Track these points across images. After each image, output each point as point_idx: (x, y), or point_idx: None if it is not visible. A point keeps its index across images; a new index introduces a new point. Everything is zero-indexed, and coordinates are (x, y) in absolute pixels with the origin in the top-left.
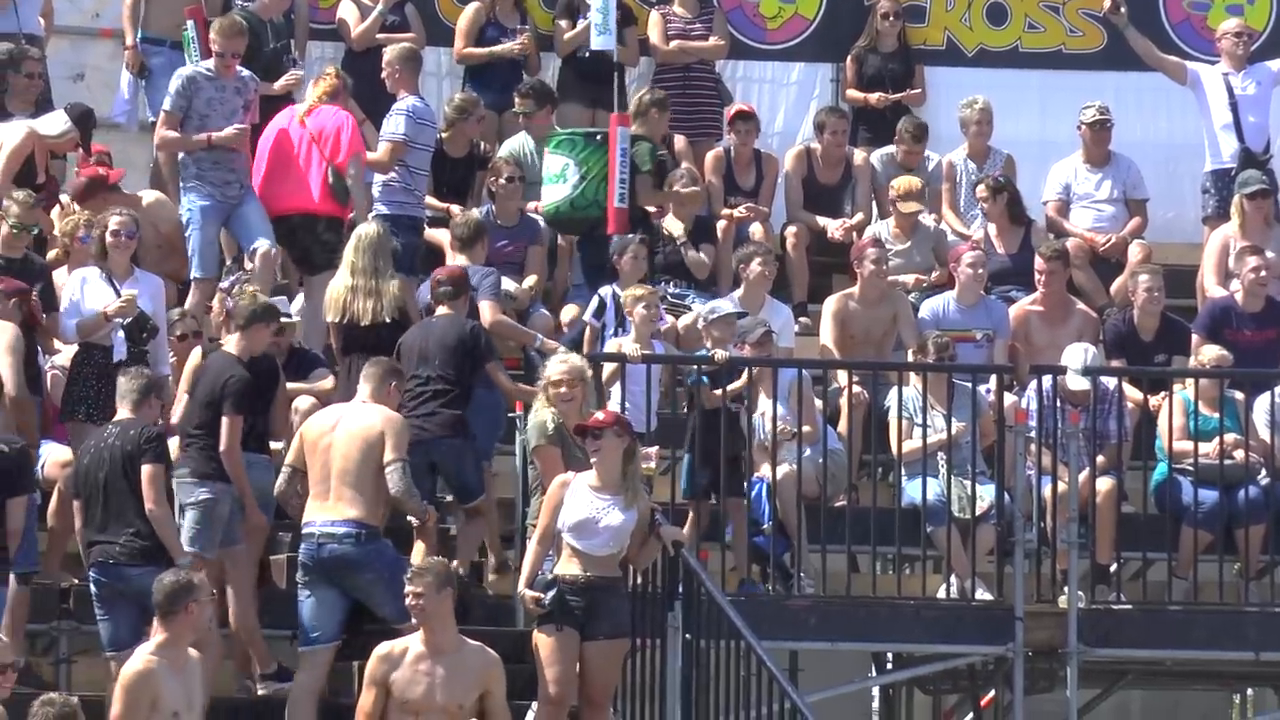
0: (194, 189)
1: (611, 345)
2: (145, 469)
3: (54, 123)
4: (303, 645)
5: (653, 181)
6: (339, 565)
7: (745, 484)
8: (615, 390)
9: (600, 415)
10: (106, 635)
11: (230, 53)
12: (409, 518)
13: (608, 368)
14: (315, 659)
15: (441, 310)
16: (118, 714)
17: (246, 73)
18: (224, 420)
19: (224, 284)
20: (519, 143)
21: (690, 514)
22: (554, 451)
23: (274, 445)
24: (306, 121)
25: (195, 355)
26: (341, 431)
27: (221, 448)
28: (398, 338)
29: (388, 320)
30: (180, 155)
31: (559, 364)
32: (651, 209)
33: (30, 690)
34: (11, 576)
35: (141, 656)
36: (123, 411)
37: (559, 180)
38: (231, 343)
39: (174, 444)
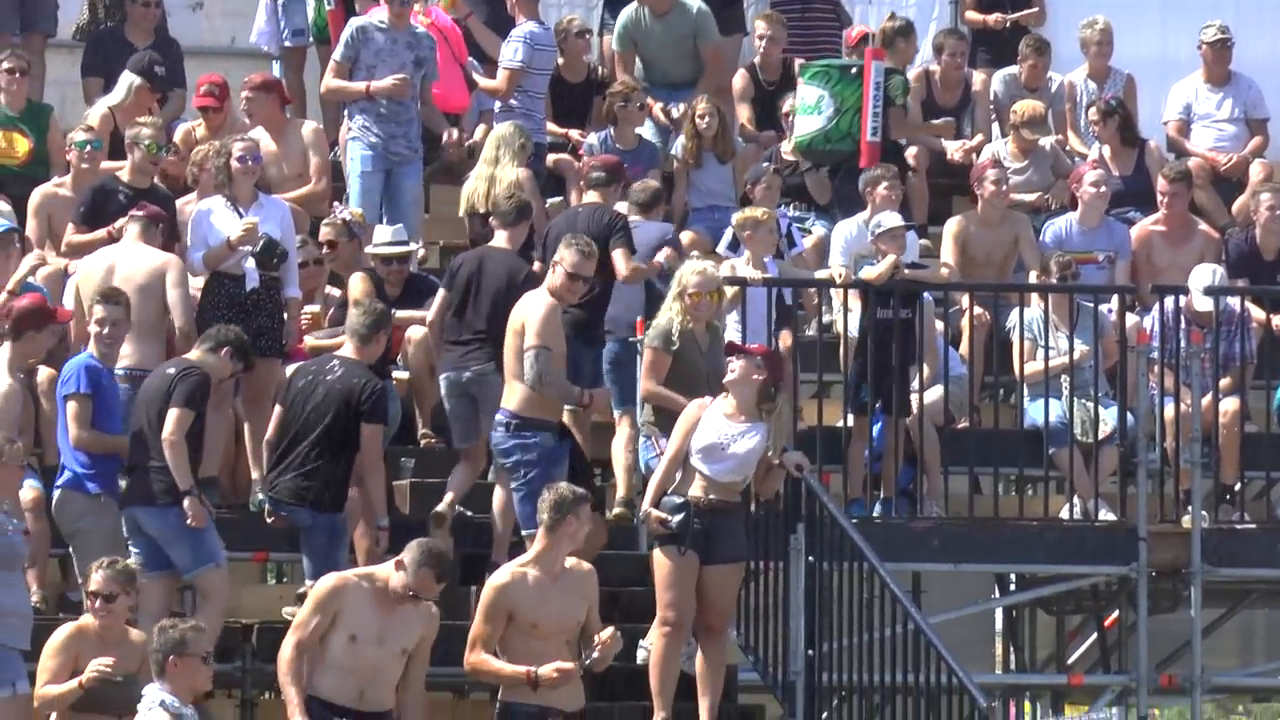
0: (358, 138)
1: (727, 269)
2: (365, 428)
3: (118, 89)
4: None
5: (906, 114)
6: None
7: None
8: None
9: (756, 345)
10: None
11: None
12: None
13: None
14: None
15: (591, 196)
16: (478, 623)
17: (421, 29)
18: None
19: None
20: (633, 11)
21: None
22: (664, 359)
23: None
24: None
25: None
26: None
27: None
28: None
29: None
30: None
31: (694, 274)
32: (902, 141)
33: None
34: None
35: (509, 569)
36: (347, 348)
37: (813, 112)
38: (350, 349)
39: None
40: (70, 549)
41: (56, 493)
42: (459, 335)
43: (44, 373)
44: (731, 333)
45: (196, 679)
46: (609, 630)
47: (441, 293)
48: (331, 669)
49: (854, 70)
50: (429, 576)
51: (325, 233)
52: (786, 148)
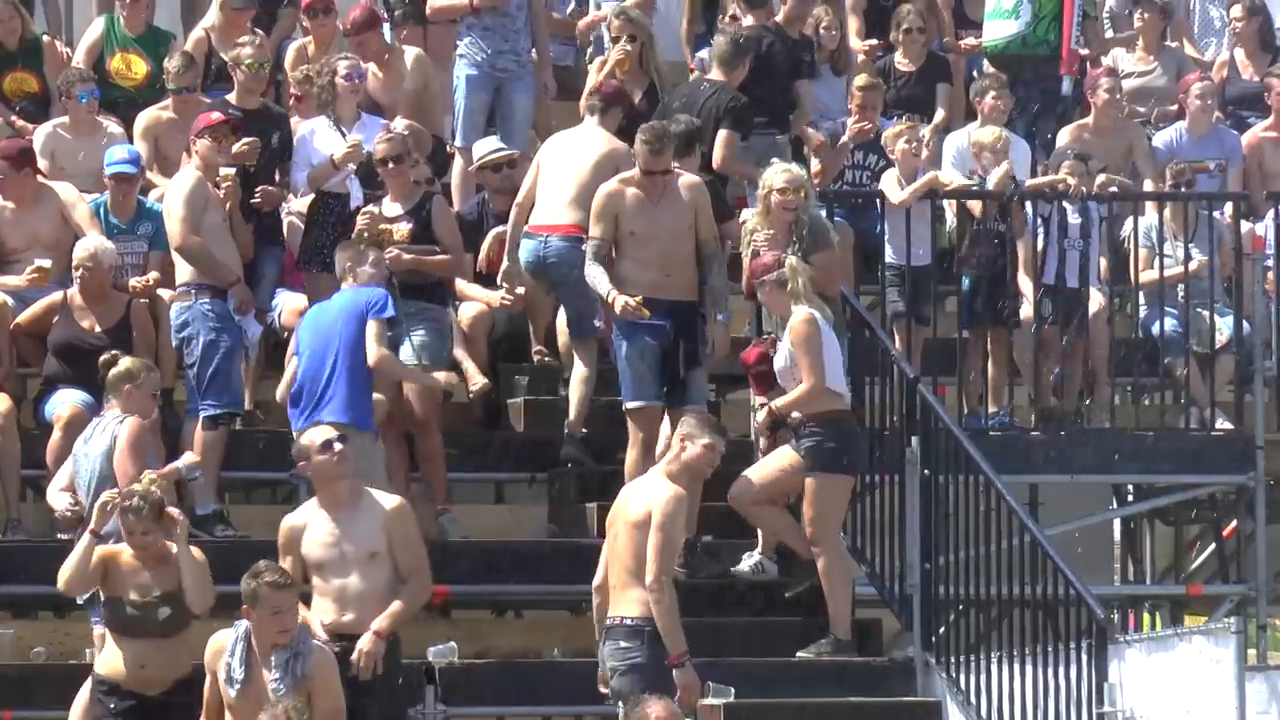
0: (464, 56)
1: (887, 179)
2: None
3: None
4: None
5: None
6: None
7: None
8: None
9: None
10: None
11: None
12: None
13: None
14: None
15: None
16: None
17: None
18: None
19: None
20: None
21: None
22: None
23: None
24: None
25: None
26: None
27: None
28: None
29: None
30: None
31: (781, 172)
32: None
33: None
34: (201, 419)
35: None
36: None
37: (1011, 16)
38: None
39: None
40: None
41: None
42: None
43: (169, 294)
44: None
45: (267, 632)
46: None
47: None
48: None
49: None
50: None
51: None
52: (900, 59)
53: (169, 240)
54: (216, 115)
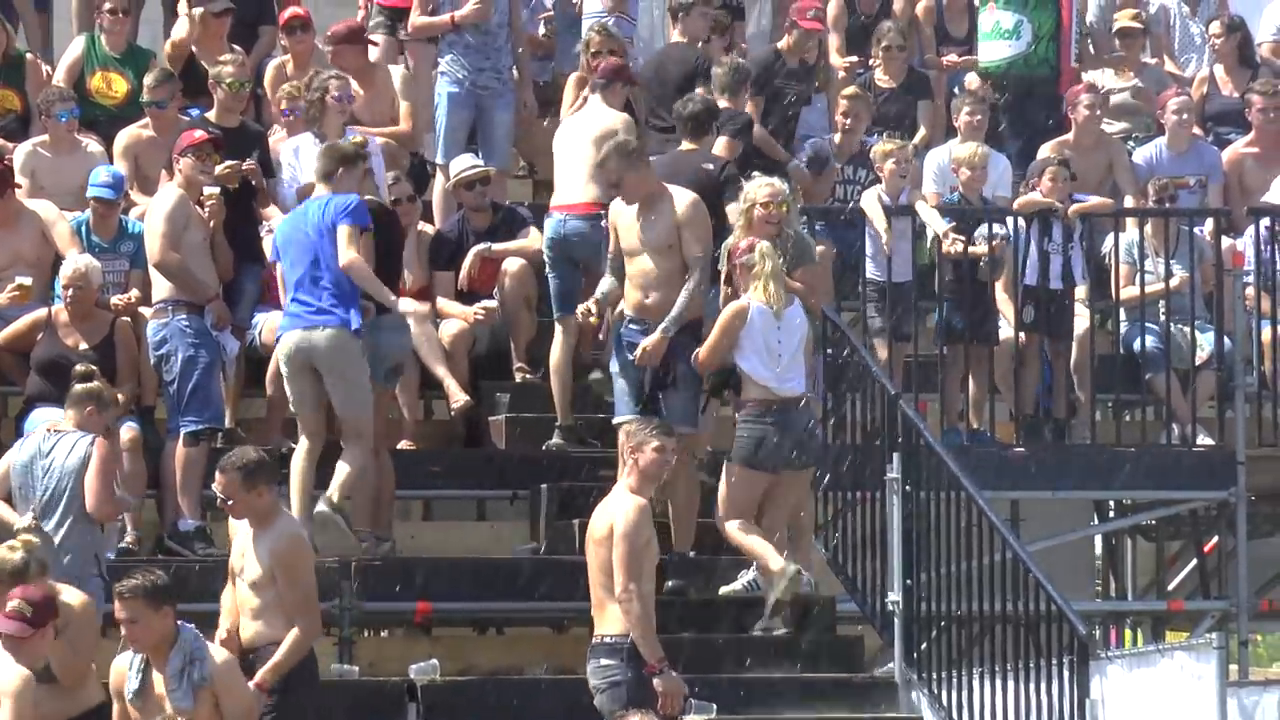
0: (445, 73)
1: (868, 197)
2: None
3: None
4: None
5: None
6: None
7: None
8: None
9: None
10: None
11: None
12: None
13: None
14: None
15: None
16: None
17: None
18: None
19: None
20: None
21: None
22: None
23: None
24: None
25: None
26: None
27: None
28: None
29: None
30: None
31: (764, 186)
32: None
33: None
34: (182, 435)
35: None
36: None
37: (1011, 36)
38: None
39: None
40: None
41: None
42: None
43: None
44: None
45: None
46: None
47: None
48: None
49: None
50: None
51: None
52: (880, 76)
53: (148, 256)
54: (200, 134)
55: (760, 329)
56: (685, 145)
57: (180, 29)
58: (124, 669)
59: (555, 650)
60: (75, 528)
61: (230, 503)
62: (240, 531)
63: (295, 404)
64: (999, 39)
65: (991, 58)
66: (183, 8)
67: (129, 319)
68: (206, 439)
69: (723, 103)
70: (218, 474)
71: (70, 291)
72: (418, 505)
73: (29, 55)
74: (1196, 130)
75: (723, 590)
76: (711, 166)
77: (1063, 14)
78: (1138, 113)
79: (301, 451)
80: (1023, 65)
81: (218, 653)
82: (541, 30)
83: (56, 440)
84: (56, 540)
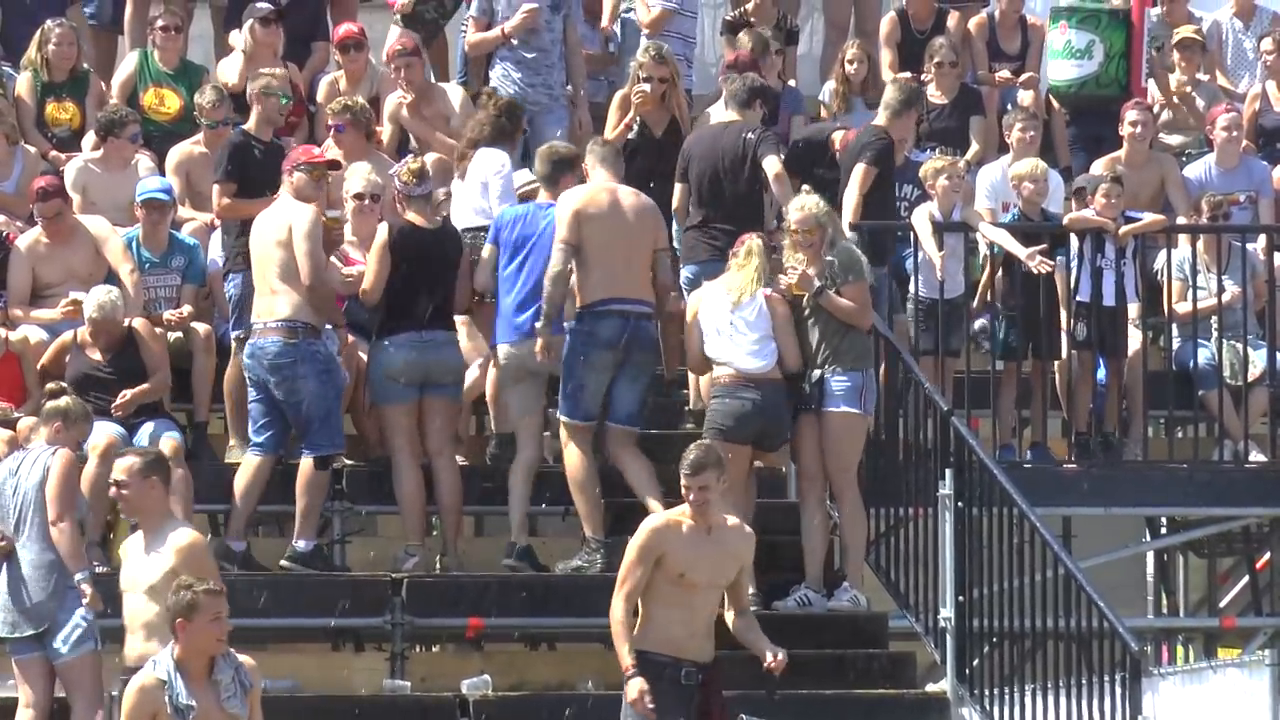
0: (495, 87)
1: (919, 214)
2: None
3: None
4: None
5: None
6: None
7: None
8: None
9: None
10: None
11: None
12: None
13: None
14: None
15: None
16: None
17: None
18: None
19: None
20: None
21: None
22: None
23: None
24: None
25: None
26: None
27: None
28: None
29: None
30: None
31: (796, 209)
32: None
33: (312, 571)
34: (312, 459)
35: (665, 515)
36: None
37: (1084, 56)
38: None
39: None
40: None
41: None
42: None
43: (203, 328)
44: None
45: (205, 641)
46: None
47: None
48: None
49: (1120, 15)
50: None
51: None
52: (933, 92)
53: (302, 276)
54: (318, 151)
55: (713, 311)
56: (732, 115)
57: (233, 71)
58: (149, 685)
59: (606, 666)
60: (44, 542)
61: (124, 492)
62: (131, 548)
63: (520, 412)
64: (1069, 58)
65: (1060, 77)
66: (235, 39)
67: (146, 319)
68: (333, 462)
69: (732, 115)
70: (117, 461)
71: (90, 324)
72: (469, 520)
73: (91, 71)
74: (1248, 144)
75: (775, 604)
76: (752, 136)
77: (1134, 32)
78: (1188, 128)
79: (521, 465)
80: (1095, 85)
81: (243, 657)
82: (611, 48)
83: (22, 459)
84: (31, 557)
